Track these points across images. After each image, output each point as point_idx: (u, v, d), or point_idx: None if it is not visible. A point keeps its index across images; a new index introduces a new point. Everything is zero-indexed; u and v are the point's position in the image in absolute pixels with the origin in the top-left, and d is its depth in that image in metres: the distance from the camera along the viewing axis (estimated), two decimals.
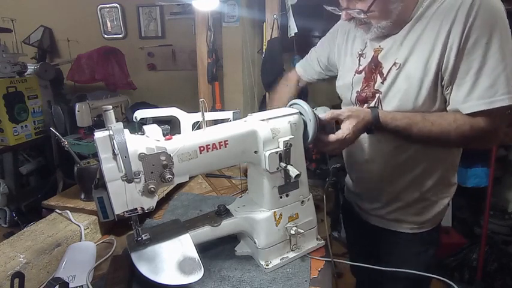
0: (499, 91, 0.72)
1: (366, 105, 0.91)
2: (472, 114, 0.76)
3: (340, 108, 0.85)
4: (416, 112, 0.81)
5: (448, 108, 0.81)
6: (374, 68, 0.88)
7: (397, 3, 0.78)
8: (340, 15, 0.86)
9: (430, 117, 0.80)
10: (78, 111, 2.02)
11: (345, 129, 0.78)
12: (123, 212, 0.69)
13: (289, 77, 1.27)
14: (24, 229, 0.96)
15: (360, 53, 0.95)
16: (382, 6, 0.78)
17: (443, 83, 0.79)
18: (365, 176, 1.00)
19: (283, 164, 0.78)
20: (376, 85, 0.87)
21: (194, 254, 0.75)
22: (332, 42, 1.08)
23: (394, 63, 0.83)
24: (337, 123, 0.81)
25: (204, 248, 0.85)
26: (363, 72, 0.92)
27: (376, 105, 0.87)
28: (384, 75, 0.85)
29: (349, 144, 0.80)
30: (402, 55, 0.82)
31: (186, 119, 1.16)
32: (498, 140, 0.85)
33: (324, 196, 0.89)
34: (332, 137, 0.78)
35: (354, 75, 0.94)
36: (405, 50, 0.82)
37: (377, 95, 0.87)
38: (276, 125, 0.78)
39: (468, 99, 0.75)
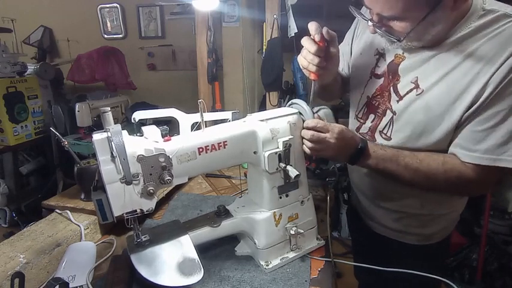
0: (508, 151, 0.67)
1: (372, 115, 0.85)
2: (469, 164, 0.71)
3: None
4: (421, 149, 0.76)
5: (450, 148, 0.75)
6: (391, 78, 0.79)
7: (440, 25, 0.67)
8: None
9: (419, 155, 0.75)
10: (78, 111, 2.02)
11: (333, 125, 0.74)
12: (123, 214, 0.69)
13: None
14: (24, 229, 0.96)
15: (380, 51, 0.83)
16: (422, 30, 0.67)
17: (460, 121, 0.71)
18: (365, 188, 0.96)
19: (282, 165, 0.77)
20: (390, 101, 0.80)
21: (194, 255, 0.75)
22: (350, 34, 0.96)
23: (415, 86, 0.74)
24: None
25: (204, 249, 0.85)
26: (382, 79, 0.82)
27: (388, 125, 0.81)
28: (401, 95, 0.77)
29: (326, 144, 0.74)
30: (428, 80, 0.72)
31: (185, 119, 1.16)
32: (486, 190, 0.81)
33: (328, 197, 0.88)
34: (312, 121, 0.74)
35: (370, 77, 0.85)
36: (434, 74, 0.71)
37: (391, 115, 0.80)
38: (275, 125, 0.77)
39: (476, 148, 0.70)
